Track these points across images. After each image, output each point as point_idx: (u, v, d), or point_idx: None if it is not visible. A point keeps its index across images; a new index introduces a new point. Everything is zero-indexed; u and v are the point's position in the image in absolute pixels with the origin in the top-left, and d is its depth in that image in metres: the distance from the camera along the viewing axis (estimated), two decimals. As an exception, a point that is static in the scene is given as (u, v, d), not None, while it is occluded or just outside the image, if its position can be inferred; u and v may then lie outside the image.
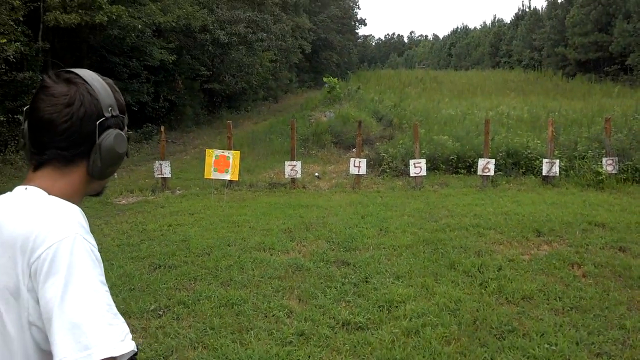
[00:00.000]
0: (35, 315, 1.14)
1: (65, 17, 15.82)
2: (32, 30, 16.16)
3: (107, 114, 1.32)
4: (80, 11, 16.18)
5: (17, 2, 13.95)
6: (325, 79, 28.47)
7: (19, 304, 1.15)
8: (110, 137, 1.32)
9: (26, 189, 1.27)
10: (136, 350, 1.16)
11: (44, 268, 1.12)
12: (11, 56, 13.43)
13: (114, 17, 16.56)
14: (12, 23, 13.78)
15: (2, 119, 14.51)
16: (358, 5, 75.54)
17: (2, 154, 14.32)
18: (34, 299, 1.14)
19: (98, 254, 1.21)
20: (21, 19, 14.53)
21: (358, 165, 11.80)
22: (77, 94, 1.29)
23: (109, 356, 1.09)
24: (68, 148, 1.29)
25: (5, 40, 12.89)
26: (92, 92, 1.31)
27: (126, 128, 1.43)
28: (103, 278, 1.18)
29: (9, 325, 1.17)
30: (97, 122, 1.30)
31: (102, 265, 1.21)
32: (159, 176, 11.69)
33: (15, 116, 14.91)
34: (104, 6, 16.33)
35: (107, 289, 1.18)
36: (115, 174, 14.28)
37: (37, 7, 15.96)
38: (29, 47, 15.71)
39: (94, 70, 1.37)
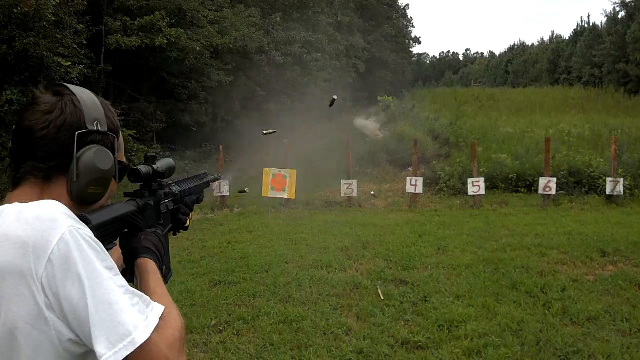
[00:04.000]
0: (63, 329, 1.07)
1: (126, 40, 16.41)
2: (94, 53, 16.79)
3: (91, 127, 1.24)
4: (140, 34, 16.74)
5: (81, 26, 14.56)
6: (379, 98, 28.52)
7: (44, 327, 1.06)
8: (90, 152, 1.22)
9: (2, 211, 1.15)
10: (163, 307, 1.15)
11: (56, 276, 1.05)
12: (75, 78, 13.97)
13: (173, 39, 17.06)
14: (75, 46, 14.37)
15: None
16: (412, 24, 75.48)
17: (67, 173, 14.82)
18: (55, 315, 1.06)
19: (95, 239, 1.12)
20: (84, 42, 15.13)
21: (415, 184, 11.71)
22: (59, 103, 1.23)
23: (147, 336, 1.07)
24: (44, 160, 1.20)
25: (69, 63, 13.43)
26: (76, 103, 1.24)
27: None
28: (109, 261, 1.11)
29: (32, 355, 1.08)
30: (77, 133, 1.21)
31: (103, 247, 1.13)
32: (218, 194, 11.89)
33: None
34: (163, 29, 16.85)
35: (116, 271, 1.12)
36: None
37: (99, 31, 16.61)
38: (91, 70, 16.32)
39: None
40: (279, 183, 10.74)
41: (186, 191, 1.65)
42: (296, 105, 29.75)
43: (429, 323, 5.09)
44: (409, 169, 14.26)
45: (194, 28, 19.39)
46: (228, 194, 11.95)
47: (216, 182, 1.99)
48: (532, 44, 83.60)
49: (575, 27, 62.93)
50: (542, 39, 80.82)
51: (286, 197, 10.85)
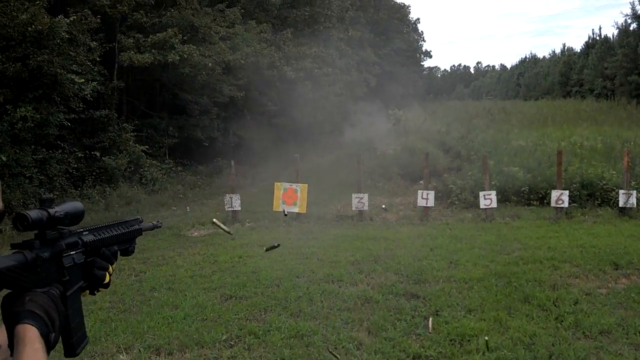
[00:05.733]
0: None
1: (139, 57, 16.62)
2: (107, 69, 17.01)
3: None
4: (153, 51, 16.96)
5: (94, 43, 14.77)
6: (390, 112, 28.56)
7: None
8: None
9: None
10: None
11: None
12: (88, 95, 14.16)
13: (185, 56, 17.26)
14: (89, 63, 14.59)
15: (79, 155, 15.24)
16: (423, 37, 75.68)
17: (79, 189, 14.96)
18: None
19: None
20: (97, 59, 15.36)
21: (426, 197, 11.69)
22: None
23: None
24: None
25: (83, 80, 13.62)
26: None
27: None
28: None
29: None
30: None
31: None
32: (230, 209, 11.94)
33: (92, 152, 15.64)
34: (176, 46, 17.06)
35: None
36: (188, 207, 14.63)
37: (112, 48, 16.84)
38: (104, 86, 16.52)
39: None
40: (290, 197, 10.76)
41: (104, 240, 1.36)
42: (307, 119, 29.86)
43: (441, 337, 5.07)
44: (420, 182, 14.23)
45: (206, 44, 19.59)
46: (239, 208, 11.98)
47: (155, 229, 1.67)
48: (544, 57, 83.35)
49: (586, 39, 62.80)
50: (554, 52, 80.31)
51: (297, 211, 10.86)
